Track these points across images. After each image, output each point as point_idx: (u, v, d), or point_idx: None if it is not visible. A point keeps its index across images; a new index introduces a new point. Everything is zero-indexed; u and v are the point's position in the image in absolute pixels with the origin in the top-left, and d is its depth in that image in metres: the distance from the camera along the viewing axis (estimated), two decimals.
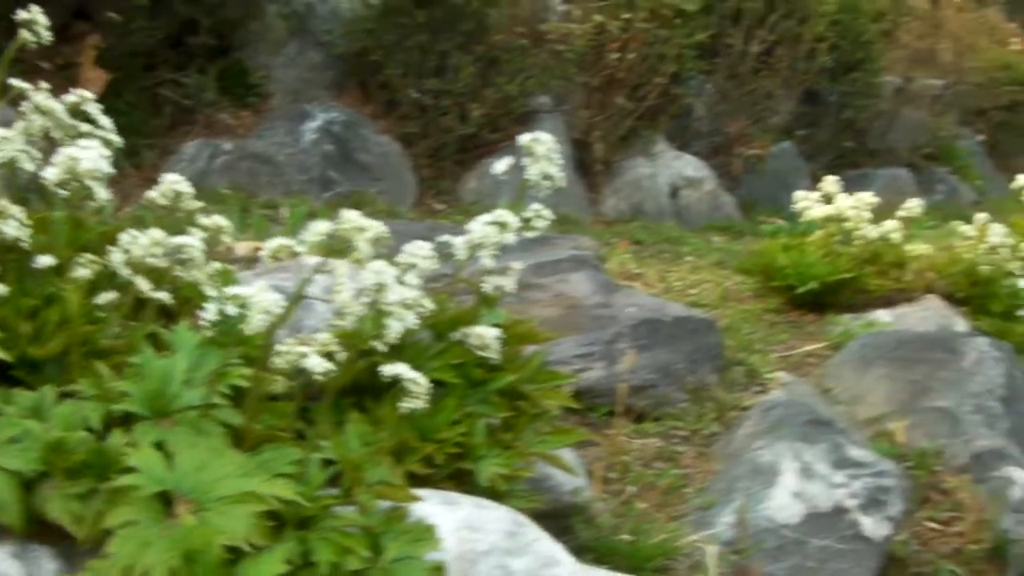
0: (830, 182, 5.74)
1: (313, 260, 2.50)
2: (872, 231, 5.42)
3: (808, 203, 5.63)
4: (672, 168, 8.45)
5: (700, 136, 9.30)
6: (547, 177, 2.81)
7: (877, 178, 10.97)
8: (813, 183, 10.06)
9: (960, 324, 5.23)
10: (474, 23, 7.55)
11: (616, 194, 8.10)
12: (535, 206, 2.82)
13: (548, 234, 5.90)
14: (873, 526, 3.20)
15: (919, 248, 5.57)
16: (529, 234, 2.81)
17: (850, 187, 10.83)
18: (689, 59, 8.41)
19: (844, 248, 5.47)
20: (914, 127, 12.55)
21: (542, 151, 2.82)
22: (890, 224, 5.46)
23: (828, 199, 5.63)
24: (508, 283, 2.80)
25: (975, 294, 5.44)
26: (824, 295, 5.27)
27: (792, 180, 9.71)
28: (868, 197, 5.74)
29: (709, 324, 3.96)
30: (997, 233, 5.53)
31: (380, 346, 2.41)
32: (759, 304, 5.44)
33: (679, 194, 8.43)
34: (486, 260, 2.72)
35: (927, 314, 5.18)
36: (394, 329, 2.36)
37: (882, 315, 5.15)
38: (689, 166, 8.59)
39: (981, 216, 6.65)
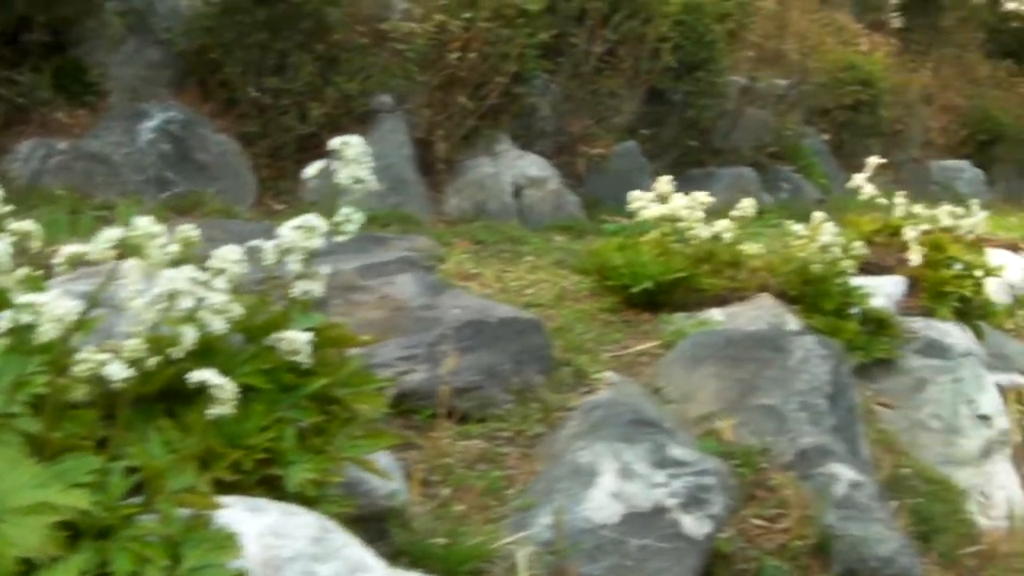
0: (664, 182, 5.83)
1: (127, 265, 2.49)
2: (705, 231, 5.51)
3: (643, 203, 5.69)
4: (515, 167, 8.49)
5: (544, 135, 9.36)
6: (358, 180, 2.83)
7: (721, 177, 11.16)
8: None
9: (792, 322, 5.36)
10: (314, 22, 7.50)
11: (459, 193, 8.12)
12: (346, 210, 2.83)
13: (386, 234, 5.94)
14: (694, 524, 3.26)
15: (752, 247, 5.68)
16: (340, 238, 2.82)
17: (695, 186, 10.98)
18: (532, 59, 8.46)
19: (680, 247, 5.56)
20: (759, 126, 12.79)
21: (352, 155, 2.84)
22: (722, 224, 5.57)
23: (663, 199, 5.70)
24: (316, 287, 2.80)
25: (808, 292, 5.58)
26: (658, 294, 5.35)
27: (636, 179, 9.82)
28: (702, 197, 5.85)
29: (536, 325, 3.99)
30: (828, 232, 5.66)
31: (178, 353, 2.40)
32: (595, 303, 5.51)
33: (522, 193, 8.47)
34: (294, 265, 2.72)
35: (759, 312, 5.30)
36: (188, 337, 2.36)
37: (715, 314, 5.26)
38: (533, 165, 8.63)
39: (818, 215, 6.82)
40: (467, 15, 7.68)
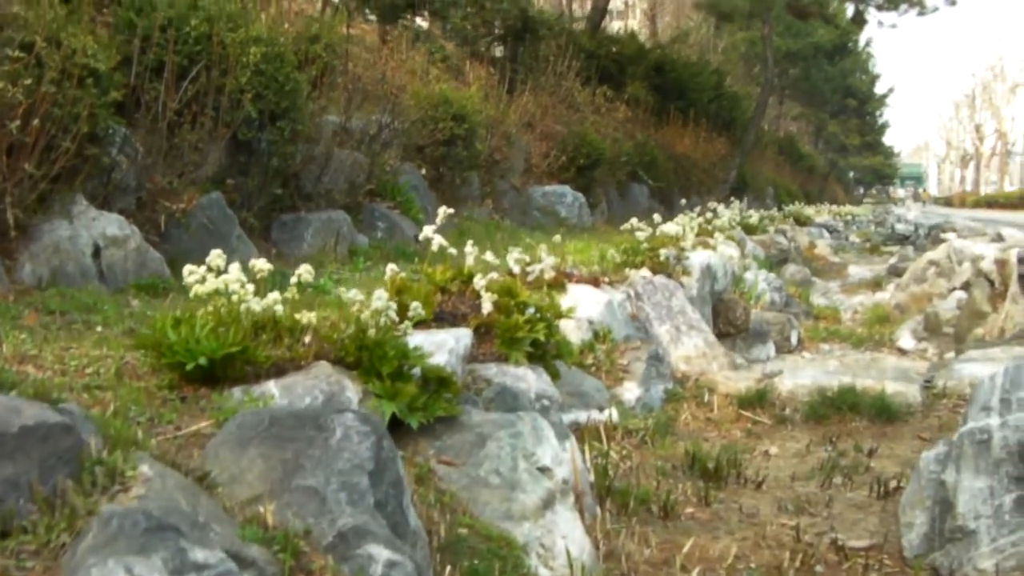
0: (216, 255, 5.84)
1: None
2: (256, 304, 5.62)
3: (196, 277, 5.72)
4: (94, 228, 8.43)
5: (126, 191, 9.35)
6: None
7: (312, 222, 11.42)
8: (245, 231, 10.37)
9: (351, 389, 5.56)
10: None
11: (34, 259, 8.01)
12: None
13: None
14: None
15: (307, 315, 5.84)
16: None
17: (286, 232, 11.28)
18: (104, 118, 8.46)
19: (240, 318, 5.64)
20: (352, 167, 13.08)
21: None
22: (272, 297, 5.68)
23: (217, 272, 5.75)
24: None
25: (365, 358, 5.78)
26: (215, 369, 5.43)
27: (223, 230, 9.97)
28: (260, 264, 5.98)
29: (65, 427, 3.99)
30: (380, 297, 5.89)
31: None
32: (155, 380, 5.54)
33: (102, 254, 8.43)
34: None
35: (315, 382, 5.46)
36: None
37: (271, 387, 5.39)
38: (113, 224, 8.58)
39: (391, 268, 7.12)
40: (29, 81, 7.60)
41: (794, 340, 16.20)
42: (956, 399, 9.70)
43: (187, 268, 5.80)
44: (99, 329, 6.74)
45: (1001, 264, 13.54)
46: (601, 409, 8.33)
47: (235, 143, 10.46)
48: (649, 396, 9.43)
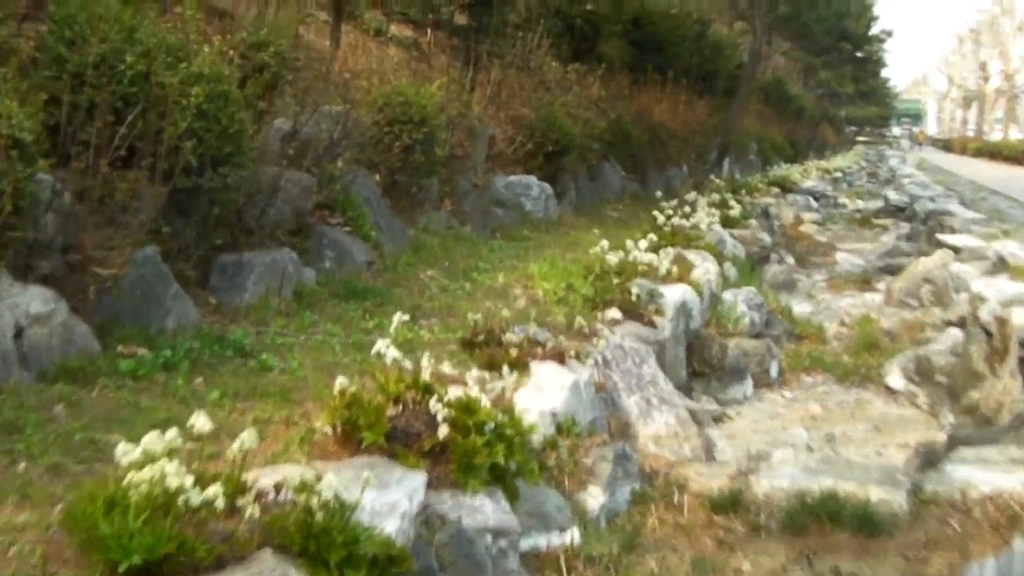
0: (153, 437, 5.76)
1: None
2: (196, 497, 5.58)
3: (130, 457, 5.66)
4: (17, 306, 8.30)
5: (51, 251, 9.25)
6: None
7: (255, 266, 11.36)
8: (182, 282, 10.33)
9: None
10: None
11: None
12: None
13: None
14: None
15: (250, 507, 5.80)
16: None
17: (226, 279, 11.31)
18: (28, 193, 8.39)
19: (177, 505, 5.60)
20: (300, 195, 13.02)
21: None
22: (213, 491, 5.62)
23: (151, 459, 5.67)
24: None
25: (311, 545, 5.79)
26: (153, 565, 5.39)
27: (158, 290, 9.93)
28: (200, 423, 5.96)
29: None
30: (329, 485, 5.89)
31: None
32: (83, 573, 5.51)
33: (24, 334, 8.32)
34: None
35: None
36: None
37: None
38: (36, 300, 8.47)
39: (341, 380, 7.14)
40: None
41: (774, 372, 16.30)
42: (946, 507, 9.81)
43: (120, 448, 5.71)
44: (22, 466, 6.69)
45: (1001, 322, 13.67)
46: (562, 530, 8.38)
47: (173, 189, 10.36)
48: (615, 501, 9.48)
